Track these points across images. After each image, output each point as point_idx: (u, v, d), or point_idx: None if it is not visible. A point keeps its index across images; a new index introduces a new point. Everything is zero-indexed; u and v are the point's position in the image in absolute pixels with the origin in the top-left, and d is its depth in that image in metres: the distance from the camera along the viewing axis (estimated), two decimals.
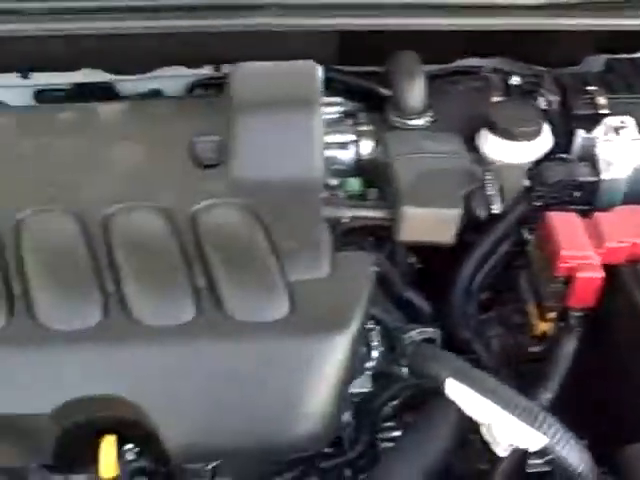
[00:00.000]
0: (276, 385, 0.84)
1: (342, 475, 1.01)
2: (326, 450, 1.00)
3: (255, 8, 1.07)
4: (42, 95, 1.24)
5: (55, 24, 1.06)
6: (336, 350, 0.85)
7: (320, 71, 1.01)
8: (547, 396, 0.92)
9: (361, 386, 0.97)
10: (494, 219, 1.03)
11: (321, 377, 0.84)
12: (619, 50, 1.28)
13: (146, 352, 0.84)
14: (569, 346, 0.94)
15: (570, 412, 0.87)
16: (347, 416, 1.00)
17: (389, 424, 1.03)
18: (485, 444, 0.86)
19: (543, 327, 0.97)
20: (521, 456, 0.89)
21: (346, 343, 0.85)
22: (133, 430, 0.85)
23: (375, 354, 0.96)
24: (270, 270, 0.88)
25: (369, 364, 0.96)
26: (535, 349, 1.02)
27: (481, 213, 0.99)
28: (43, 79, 1.23)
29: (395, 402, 1.03)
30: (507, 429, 0.82)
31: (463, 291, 1.05)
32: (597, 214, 0.95)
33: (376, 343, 0.96)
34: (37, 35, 1.07)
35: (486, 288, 1.08)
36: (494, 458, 0.88)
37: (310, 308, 0.86)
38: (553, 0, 1.13)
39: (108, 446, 0.84)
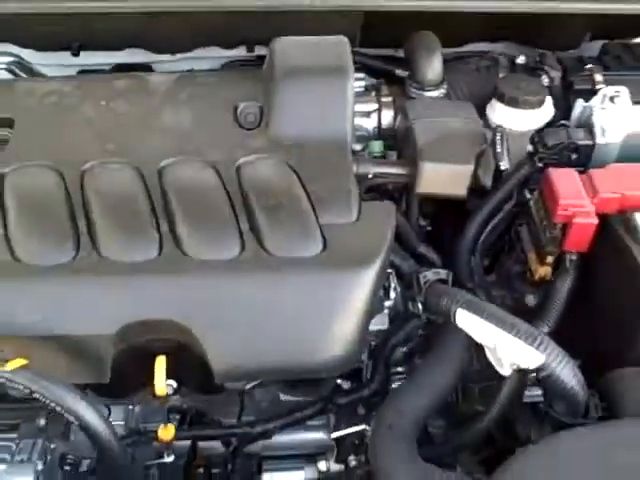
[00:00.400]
0: (310, 313, 0.96)
1: (356, 411, 1.14)
2: (344, 387, 1.13)
3: None
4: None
5: (102, 3, 1.19)
6: (362, 283, 0.97)
7: (349, 46, 1.14)
8: (544, 329, 1.05)
9: (379, 324, 1.10)
10: (501, 179, 1.16)
11: (349, 307, 0.97)
12: (614, 35, 1.41)
13: (196, 283, 0.97)
14: (564, 286, 1.06)
15: (563, 344, 0.99)
16: (364, 356, 1.13)
17: (401, 369, 1.17)
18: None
19: (542, 272, 1.10)
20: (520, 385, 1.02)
21: (370, 278, 0.97)
22: (181, 353, 0.98)
23: (393, 294, 1.09)
24: (305, 214, 1.01)
25: (387, 303, 1.09)
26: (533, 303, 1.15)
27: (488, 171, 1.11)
28: (91, 58, 1.37)
29: (407, 346, 1.16)
30: (510, 350, 0.95)
31: (470, 245, 1.17)
32: (592, 170, 1.08)
33: (394, 285, 1.09)
34: (87, 13, 1.20)
35: (491, 244, 1.20)
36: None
37: (340, 247, 0.99)
38: None
39: (160, 365, 0.97)
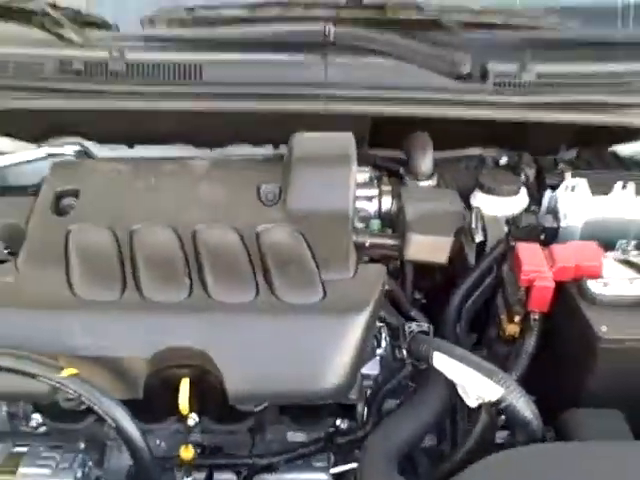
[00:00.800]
0: (311, 348, 1.17)
1: (353, 451, 1.31)
2: (342, 427, 1.31)
3: (309, 98, 1.47)
4: None
5: (152, 103, 1.46)
6: (354, 326, 1.18)
7: (352, 141, 1.39)
8: (513, 377, 1.23)
9: (373, 368, 1.29)
10: (481, 254, 1.37)
11: (343, 345, 1.17)
12: (590, 143, 1.65)
13: (218, 319, 1.18)
14: (529, 340, 1.25)
15: (529, 388, 1.17)
16: (360, 403, 1.32)
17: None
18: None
19: (510, 330, 1.29)
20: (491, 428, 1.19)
21: (361, 322, 1.18)
22: (203, 379, 1.18)
23: (383, 343, 1.29)
24: (310, 270, 1.23)
25: (379, 351, 1.29)
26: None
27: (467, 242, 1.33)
28: (143, 151, 1.63)
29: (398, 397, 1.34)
30: (475, 384, 1.13)
31: (454, 314, 1.37)
32: (553, 245, 1.29)
33: (384, 335, 1.30)
34: (141, 111, 1.47)
35: (476, 314, 1.40)
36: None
37: (337, 297, 1.20)
38: (535, 99, 1.51)
39: (184, 386, 1.17)
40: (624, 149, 1.64)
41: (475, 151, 1.64)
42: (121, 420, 1.10)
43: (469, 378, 1.14)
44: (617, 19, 1.69)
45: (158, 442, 1.33)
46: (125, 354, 1.16)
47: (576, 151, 1.62)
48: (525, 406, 1.12)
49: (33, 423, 1.28)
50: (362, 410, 1.32)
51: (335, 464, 1.31)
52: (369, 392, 1.33)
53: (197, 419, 1.25)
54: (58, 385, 1.09)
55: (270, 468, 1.30)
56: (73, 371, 1.10)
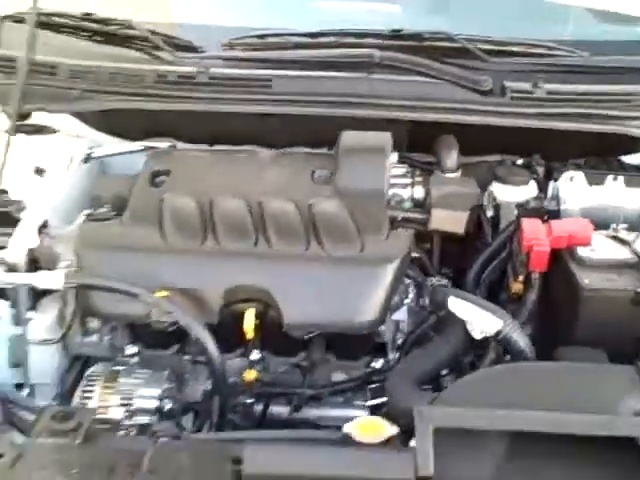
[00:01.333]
0: (351, 289, 1.48)
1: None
2: (376, 368, 1.60)
3: (357, 105, 1.80)
4: None
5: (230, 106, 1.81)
6: (385, 273, 1.49)
7: (390, 137, 1.71)
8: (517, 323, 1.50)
9: (401, 316, 1.59)
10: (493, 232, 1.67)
11: (376, 287, 1.48)
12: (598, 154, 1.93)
13: (278, 265, 1.50)
14: (531, 295, 1.53)
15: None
16: (391, 351, 1.61)
17: None
18: None
19: (516, 287, 1.57)
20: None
21: (391, 271, 1.49)
22: (264, 310, 1.49)
23: (410, 296, 1.59)
24: (351, 232, 1.54)
25: (406, 301, 1.58)
26: None
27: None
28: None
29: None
30: (479, 320, 1.42)
31: (473, 282, 1.66)
32: (552, 220, 1.58)
33: (411, 289, 1.59)
34: (222, 113, 1.82)
35: (489, 282, 1.68)
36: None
37: (372, 251, 1.51)
38: (545, 111, 1.81)
39: (250, 314, 1.49)
40: (629, 158, 1.93)
41: (496, 157, 1.94)
42: (202, 336, 1.41)
43: (476, 315, 1.43)
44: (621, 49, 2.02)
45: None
46: (207, 286, 1.48)
47: (584, 159, 1.91)
48: (520, 338, 1.40)
49: (128, 352, 1.60)
50: (393, 354, 1.61)
51: (371, 397, 1.60)
52: (400, 341, 1.62)
53: (259, 354, 1.55)
54: (154, 304, 1.41)
55: (316, 398, 1.59)
56: (165, 293, 1.42)
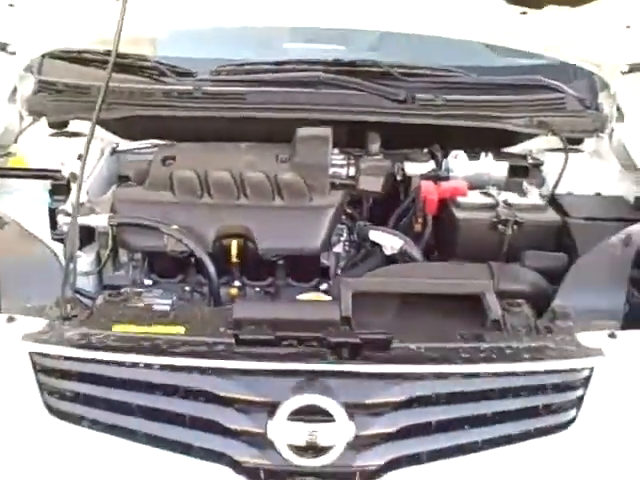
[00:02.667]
0: (305, 227, 2.16)
1: None
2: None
3: (308, 111, 2.51)
4: None
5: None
6: (327, 215, 2.18)
7: (330, 130, 2.42)
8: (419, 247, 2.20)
9: (340, 248, 2.28)
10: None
11: (322, 225, 2.17)
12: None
13: (254, 211, 2.19)
14: (426, 230, 2.24)
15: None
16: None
17: None
18: None
19: (417, 227, 2.28)
20: None
21: (330, 213, 2.19)
22: (245, 244, 2.17)
23: (344, 235, 2.29)
24: (303, 191, 2.24)
25: (342, 238, 2.28)
26: None
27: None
28: None
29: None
30: (390, 242, 2.12)
31: (393, 225, 2.36)
32: (440, 182, 2.30)
33: (345, 231, 2.29)
34: (210, 117, 2.53)
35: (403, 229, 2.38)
36: None
37: (317, 202, 2.21)
38: (443, 113, 2.55)
39: (235, 245, 2.16)
40: (510, 149, 2.67)
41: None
42: (204, 258, 2.09)
43: (386, 238, 2.14)
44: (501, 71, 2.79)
45: None
46: (199, 220, 2.15)
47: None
48: (415, 252, 2.11)
49: (146, 283, 2.26)
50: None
51: None
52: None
53: (239, 284, 2.23)
54: (170, 234, 2.09)
55: None
56: (176, 227, 2.11)
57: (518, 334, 1.77)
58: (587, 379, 1.69)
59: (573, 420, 1.69)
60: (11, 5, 2.42)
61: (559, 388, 1.69)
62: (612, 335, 1.75)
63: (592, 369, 1.69)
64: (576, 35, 2.48)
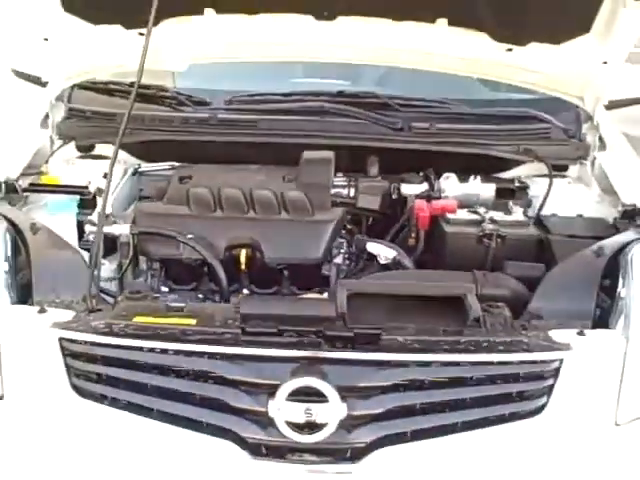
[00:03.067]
0: (308, 239, 2.38)
1: None
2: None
3: (314, 137, 2.75)
4: None
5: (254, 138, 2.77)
6: (327, 228, 2.40)
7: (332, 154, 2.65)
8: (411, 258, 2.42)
9: (340, 260, 2.49)
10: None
11: (322, 238, 2.39)
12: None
13: (262, 224, 2.41)
14: (420, 244, 2.45)
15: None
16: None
17: None
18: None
19: (410, 241, 2.49)
20: None
21: (330, 227, 2.41)
22: (253, 253, 2.38)
23: (344, 248, 2.50)
24: (307, 206, 2.46)
25: (342, 251, 2.49)
26: None
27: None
28: None
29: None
30: (385, 253, 2.33)
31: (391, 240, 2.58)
32: (432, 200, 2.52)
33: (345, 245, 2.51)
34: (225, 142, 2.77)
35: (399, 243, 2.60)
36: None
37: (319, 216, 2.43)
38: (437, 140, 2.78)
39: (244, 253, 2.38)
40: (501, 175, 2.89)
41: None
42: (216, 264, 2.31)
43: (381, 249, 2.35)
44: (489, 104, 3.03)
45: None
46: (211, 231, 2.38)
47: None
48: (407, 262, 2.32)
49: (162, 289, 2.47)
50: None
51: None
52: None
53: (248, 292, 2.44)
54: (186, 242, 2.31)
55: None
56: (191, 236, 2.33)
57: (495, 330, 1.97)
58: (557, 370, 1.89)
59: (544, 406, 1.88)
60: (46, 39, 2.69)
61: (531, 377, 1.89)
62: (581, 333, 1.94)
63: (562, 361, 1.89)
64: (558, 70, 2.73)
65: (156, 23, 2.58)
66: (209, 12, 2.63)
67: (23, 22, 2.81)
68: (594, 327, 2.03)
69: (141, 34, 2.68)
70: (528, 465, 1.89)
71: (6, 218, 2.21)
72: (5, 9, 2.89)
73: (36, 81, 3.13)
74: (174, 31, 2.65)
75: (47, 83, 2.94)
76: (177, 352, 1.86)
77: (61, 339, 1.89)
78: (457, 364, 1.87)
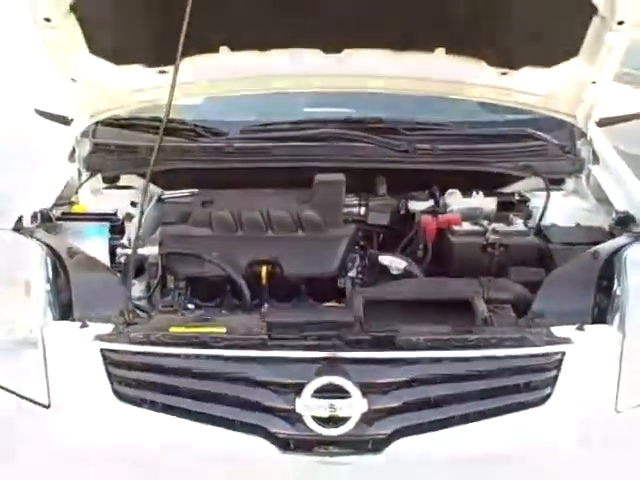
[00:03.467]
0: (323, 255, 2.56)
1: None
2: None
3: (325, 160, 2.94)
4: None
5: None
6: (340, 244, 2.58)
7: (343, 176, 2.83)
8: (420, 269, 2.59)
9: (353, 273, 2.66)
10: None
11: (338, 253, 2.57)
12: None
13: (280, 242, 2.59)
14: (427, 254, 2.62)
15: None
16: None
17: None
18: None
19: (418, 253, 2.66)
20: None
21: (343, 243, 2.59)
22: (273, 269, 2.57)
23: (358, 262, 2.68)
24: (321, 226, 2.64)
25: (356, 264, 2.67)
26: None
27: None
28: None
29: None
30: (399, 264, 2.51)
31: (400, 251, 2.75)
32: (439, 215, 2.70)
33: (358, 259, 2.68)
34: (241, 168, 2.97)
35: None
36: None
37: (333, 233, 2.62)
38: (440, 159, 2.97)
39: (265, 270, 2.56)
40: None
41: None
42: (239, 280, 2.48)
43: (393, 261, 2.52)
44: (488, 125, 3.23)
45: None
46: (233, 250, 2.56)
47: None
48: (417, 271, 2.50)
49: (189, 306, 2.65)
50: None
51: None
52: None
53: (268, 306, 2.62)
54: (211, 260, 2.49)
55: None
56: (216, 254, 2.51)
57: (501, 328, 2.14)
58: (559, 362, 2.05)
59: (549, 396, 2.04)
60: (74, 80, 2.90)
61: (536, 370, 2.05)
62: (580, 328, 2.11)
63: (563, 354, 2.05)
64: (551, 91, 2.92)
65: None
66: (224, 50, 2.84)
67: (49, 65, 3.02)
68: (593, 324, 2.19)
69: (161, 72, 2.91)
70: (536, 450, 2.04)
71: (45, 244, 2.40)
72: (33, 55, 3.10)
73: (60, 120, 3.35)
74: (191, 68, 2.85)
75: (72, 121, 3.15)
76: (210, 357, 2.04)
77: (103, 350, 2.07)
78: (467, 359, 2.03)
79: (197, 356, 2.04)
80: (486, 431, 2.02)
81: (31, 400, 2.11)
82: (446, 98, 3.10)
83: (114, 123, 3.22)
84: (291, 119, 3.19)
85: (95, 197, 3.01)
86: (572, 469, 2.07)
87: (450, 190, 2.85)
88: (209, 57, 2.87)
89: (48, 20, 2.57)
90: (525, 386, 2.04)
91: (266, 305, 2.59)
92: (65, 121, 3.25)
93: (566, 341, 2.07)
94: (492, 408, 2.02)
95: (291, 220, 2.66)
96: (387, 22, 2.66)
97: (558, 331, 2.11)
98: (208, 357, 2.04)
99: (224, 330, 2.11)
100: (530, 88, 2.93)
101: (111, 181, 3.14)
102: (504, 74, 2.87)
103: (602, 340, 2.12)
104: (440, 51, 2.83)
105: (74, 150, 3.10)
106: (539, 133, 3.13)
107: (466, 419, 2.01)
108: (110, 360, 2.07)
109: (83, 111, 3.09)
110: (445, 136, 3.12)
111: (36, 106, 3.67)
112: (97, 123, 3.19)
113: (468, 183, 2.95)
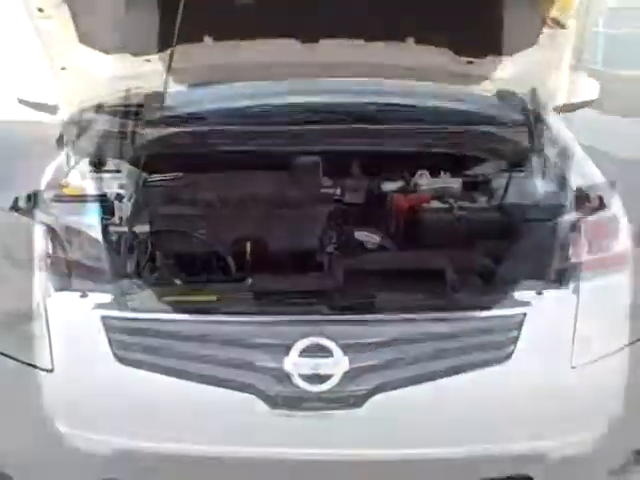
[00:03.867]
0: (303, 227, 2.75)
1: None
2: None
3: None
4: None
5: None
6: (320, 219, 2.77)
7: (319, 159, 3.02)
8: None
9: (332, 249, 2.86)
10: None
11: (317, 226, 2.76)
12: None
13: (267, 219, 2.78)
14: (400, 232, 2.83)
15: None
16: None
17: None
18: None
19: (392, 229, 2.87)
20: None
21: (323, 218, 2.78)
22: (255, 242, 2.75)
23: (335, 236, 2.88)
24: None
25: (333, 240, 2.87)
26: None
27: None
28: None
29: None
30: (369, 238, 2.71)
31: None
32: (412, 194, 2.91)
33: (336, 232, 2.88)
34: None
35: None
36: None
37: (314, 210, 2.81)
38: None
39: (249, 248, 2.75)
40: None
41: None
42: (226, 258, 2.66)
43: (369, 237, 2.73)
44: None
45: None
46: (219, 227, 2.73)
47: None
48: (390, 245, 2.70)
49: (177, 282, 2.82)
50: None
51: None
52: None
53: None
54: (197, 238, 2.67)
55: None
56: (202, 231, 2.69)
57: (469, 293, 2.35)
58: (520, 323, 2.27)
59: (512, 354, 2.26)
60: (63, 69, 3.05)
61: (499, 330, 2.27)
62: (539, 292, 2.33)
63: (524, 315, 2.27)
64: (513, 77, 3.14)
65: (161, 50, 2.99)
66: (207, 40, 3.01)
67: (36, 54, 3.16)
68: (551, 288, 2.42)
69: (146, 60, 3.07)
70: (500, 403, 2.26)
71: (43, 222, 2.55)
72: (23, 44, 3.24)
73: (45, 109, 3.49)
74: (177, 57, 3.01)
75: (58, 109, 3.29)
76: (204, 322, 2.22)
77: (103, 317, 2.24)
78: (438, 320, 2.24)
79: (192, 321, 2.23)
80: (456, 386, 2.23)
81: (35, 366, 2.28)
82: (417, 84, 3.30)
83: (101, 109, 3.36)
84: (269, 106, 3.36)
85: (84, 181, 3.16)
86: (530, 420, 2.29)
87: (420, 171, 3.06)
88: (193, 46, 3.04)
89: (41, 10, 2.72)
90: (490, 344, 2.26)
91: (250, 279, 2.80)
92: (50, 110, 3.39)
93: (526, 304, 2.29)
94: (461, 365, 2.23)
95: (273, 200, 2.84)
96: (361, 14, 2.85)
97: (519, 295, 2.33)
98: (202, 322, 2.22)
99: (215, 298, 2.30)
100: (494, 75, 3.14)
101: (99, 165, 3.29)
102: (470, 62, 3.08)
103: (558, 302, 2.34)
104: (410, 41, 3.02)
105: (62, 136, 3.24)
106: (502, 118, 3.34)
107: (438, 375, 2.22)
108: (110, 326, 2.24)
109: (71, 99, 3.23)
110: (417, 120, 3.31)
111: (19, 95, 3.79)
112: (84, 109, 3.33)
113: (436, 165, 3.16)
